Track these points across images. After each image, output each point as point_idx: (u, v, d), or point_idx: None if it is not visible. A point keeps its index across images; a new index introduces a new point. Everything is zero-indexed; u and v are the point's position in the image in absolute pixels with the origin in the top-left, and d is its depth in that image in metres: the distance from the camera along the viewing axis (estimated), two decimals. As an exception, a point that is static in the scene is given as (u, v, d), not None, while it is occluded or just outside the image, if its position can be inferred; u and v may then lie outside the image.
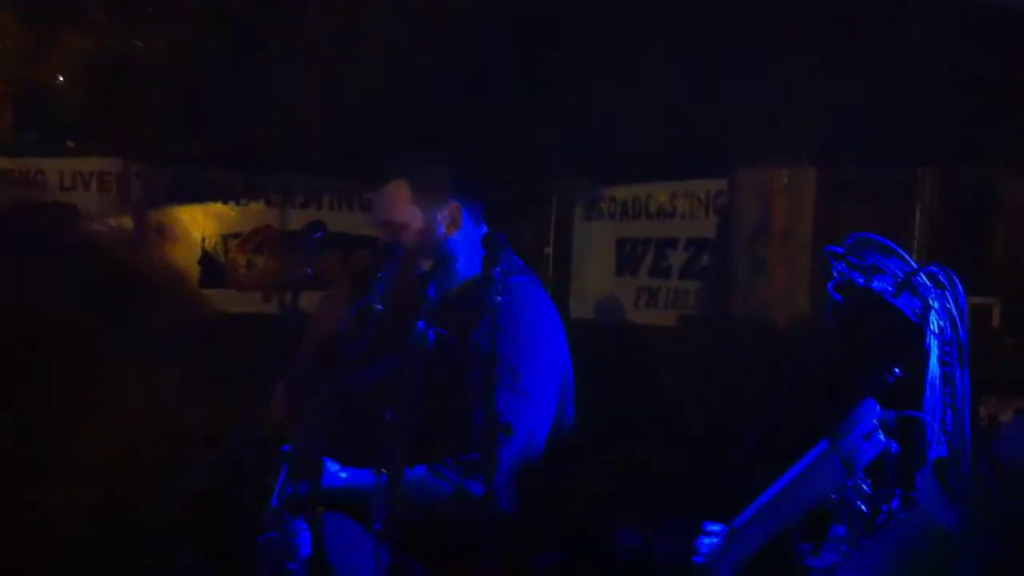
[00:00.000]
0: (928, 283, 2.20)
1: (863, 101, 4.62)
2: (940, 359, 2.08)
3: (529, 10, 5.07)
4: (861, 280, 2.26)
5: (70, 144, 6.39)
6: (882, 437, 2.01)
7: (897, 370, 2.20)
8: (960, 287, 2.21)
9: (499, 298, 2.36)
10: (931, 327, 2.12)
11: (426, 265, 2.68)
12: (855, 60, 4.57)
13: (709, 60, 5.01)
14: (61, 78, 6.04)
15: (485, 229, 2.87)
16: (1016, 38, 4.23)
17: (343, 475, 2.51)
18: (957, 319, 2.15)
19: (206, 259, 6.56)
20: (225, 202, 6.60)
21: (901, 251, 2.36)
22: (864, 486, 1.97)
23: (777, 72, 4.85)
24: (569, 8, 5.08)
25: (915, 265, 2.29)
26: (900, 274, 2.18)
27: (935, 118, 4.65)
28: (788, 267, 5.10)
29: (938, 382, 2.04)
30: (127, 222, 6.34)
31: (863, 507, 1.97)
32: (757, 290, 5.31)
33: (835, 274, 2.41)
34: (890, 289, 2.18)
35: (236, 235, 6.61)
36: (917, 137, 4.79)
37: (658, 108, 5.31)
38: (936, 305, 2.12)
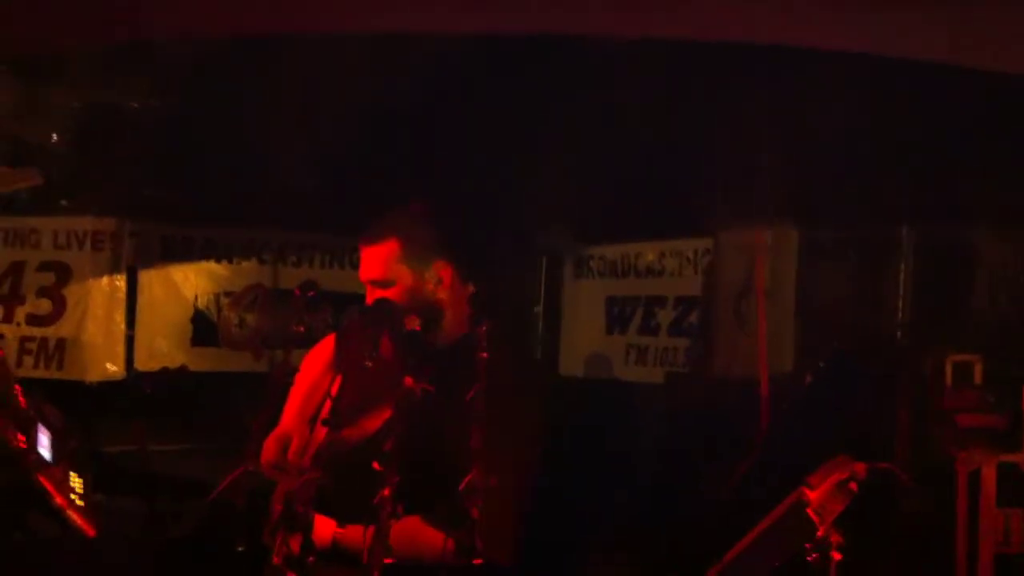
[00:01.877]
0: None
1: (844, 163, 4.73)
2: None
3: (518, 70, 5.18)
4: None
5: (63, 203, 6.47)
6: (852, 488, 2.07)
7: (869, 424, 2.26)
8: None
9: (484, 355, 2.43)
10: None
11: (414, 322, 2.74)
12: (836, 122, 4.67)
13: (694, 122, 5.12)
14: (55, 137, 6.12)
15: (472, 287, 2.94)
16: (994, 102, 4.34)
17: (334, 529, 2.56)
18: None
19: (199, 317, 6.62)
20: (218, 260, 6.69)
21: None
22: (837, 536, 2.02)
23: (762, 135, 4.95)
24: (557, 68, 5.19)
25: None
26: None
27: (916, 179, 4.75)
28: (771, 324, 5.17)
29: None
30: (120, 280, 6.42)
31: (837, 557, 2.02)
32: (741, 347, 5.38)
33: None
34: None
35: (228, 293, 6.68)
36: (898, 197, 4.89)
37: (645, 168, 5.41)
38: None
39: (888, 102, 4.52)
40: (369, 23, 4.38)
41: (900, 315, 4.84)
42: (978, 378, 4.66)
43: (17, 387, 2.71)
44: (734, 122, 5.00)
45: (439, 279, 2.88)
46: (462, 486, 2.14)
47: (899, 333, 4.75)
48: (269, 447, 2.77)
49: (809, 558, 2.00)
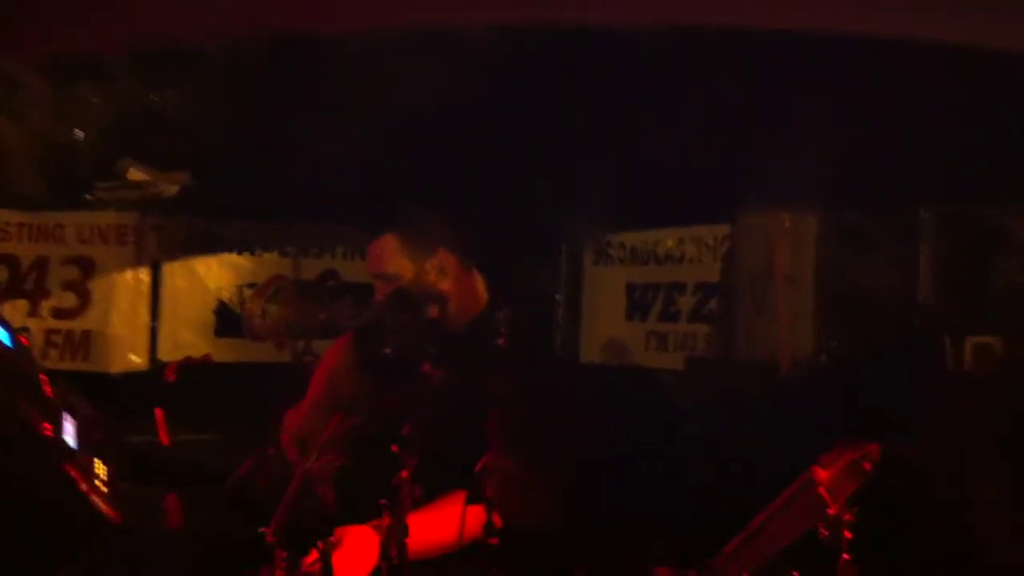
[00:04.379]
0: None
1: (864, 145, 4.71)
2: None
3: (533, 60, 5.19)
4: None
5: (87, 198, 6.55)
6: (866, 468, 2.09)
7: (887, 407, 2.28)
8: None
9: (501, 341, 2.46)
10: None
11: (427, 311, 2.78)
12: (855, 104, 4.66)
13: (712, 109, 5.11)
14: (80, 132, 6.19)
15: (480, 275, 2.98)
16: (1014, 80, 4.31)
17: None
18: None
19: (222, 309, 6.68)
20: (240, 252, 6.74)
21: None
22: (848, 516, 2.04)
23: (779, 119, 4.95)
24: (575, 58, 5.20)
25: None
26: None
27: (936, 160, 4.73)
28: (791, 309, 5.18)
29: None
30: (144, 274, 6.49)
31: (848, 536, 2.04)
32: (760, 332, 5.39)
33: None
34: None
35: (251, 285, 6.73)
36: (918, 179, 4.87)
37: (663, 155, 5.42)
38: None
39: (906, 83, 4.50)
40: (393, 19, 4.41)
41: (920, 297, 4.83)
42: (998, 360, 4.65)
43: (42, 376, 2.77)
44: (750, 107, 5.00)
45: (441, 269, 2.93)
46: (478, 467, 2.18)
47: (919, 315, 4.75)
48: (288, 429, 2.82)
49: (820, 536, 2.02)
